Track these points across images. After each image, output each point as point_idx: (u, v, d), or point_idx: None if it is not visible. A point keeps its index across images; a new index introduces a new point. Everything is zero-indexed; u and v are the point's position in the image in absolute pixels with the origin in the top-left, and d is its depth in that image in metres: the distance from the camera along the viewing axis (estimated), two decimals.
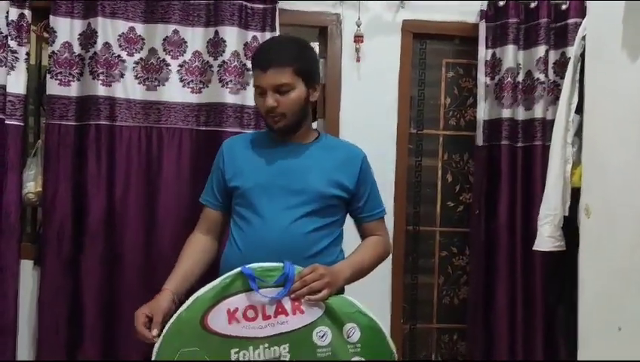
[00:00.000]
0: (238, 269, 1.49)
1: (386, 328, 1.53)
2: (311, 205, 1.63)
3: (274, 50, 1.64)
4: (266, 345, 1.47)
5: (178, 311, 1.47)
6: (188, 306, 1.47)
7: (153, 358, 1.46)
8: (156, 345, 1.46)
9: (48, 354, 2.30)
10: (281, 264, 1.51)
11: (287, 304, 1.49)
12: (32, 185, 2.35)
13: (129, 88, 2.35)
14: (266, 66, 1.58)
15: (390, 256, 2.53)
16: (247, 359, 1.46)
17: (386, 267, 2.59)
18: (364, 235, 1.77)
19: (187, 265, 1.66)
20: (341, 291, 1.63)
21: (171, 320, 1.47)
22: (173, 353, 1.45)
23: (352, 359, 1.50)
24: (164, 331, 1.46)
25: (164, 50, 2.38)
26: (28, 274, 2.35)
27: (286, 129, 1.64)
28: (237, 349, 1.46)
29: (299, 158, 1.67)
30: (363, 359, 1.51)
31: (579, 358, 1.46)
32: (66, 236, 2.31)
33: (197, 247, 1.72)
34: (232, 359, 1.46)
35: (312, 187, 1.63)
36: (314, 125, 2.65)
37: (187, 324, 1.46)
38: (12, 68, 2.23)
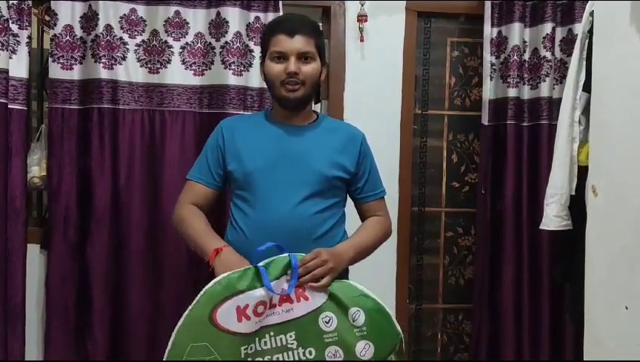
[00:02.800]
0: (249, 267, 1.47)
1: (391, 308, 1.53)
2: (314, 187, 1.62)
3: (299, 21, 1.66)
4: (272, 334, 1.47)
5: (189, 307, 1.45)
6: (197, 301, 1.45)
7: (168, 349, 1.45)
8: (170, 340, 1.45)
9: (56, 337, 2.32)
10: (275, 257, 1.50)
11: (292, 292, 1.48)
12: (36, 169, 2.36)
13: (131, 71, 2.33)
14: (293, 32, 1.61)
15: (395, 236, 2.56)
16: (253, 351, 1.45)
17: (391, 248, 2.60)
18: (365, 216, 1.77)
19: (208, 227, 1.66)
20: (345, 273, 1.63)
21: (183, 316, 1.45)
22: (184, 347, 1.43)
23: (359, 342, 1.49)
24: (177, 326, 1.44)
25: (166, 31, 2.36)
26: (35, 258, 2.36)
27: (300, 100, 1.64)
28: (246, 346, 1.46)
29: (300, 141, 1.67)
30: (370, 342, 1.50)
31: (585, 337, 1.46)
32: (71, 220, 2.32)
33: (203, 218, 1.68)
34: (242, 356, 1.45)
35: (314, 169, 1.63)
36: (317, 107, 2.65)
37: (196, 320, 1.44)
38: (14, 52, 2.21)
